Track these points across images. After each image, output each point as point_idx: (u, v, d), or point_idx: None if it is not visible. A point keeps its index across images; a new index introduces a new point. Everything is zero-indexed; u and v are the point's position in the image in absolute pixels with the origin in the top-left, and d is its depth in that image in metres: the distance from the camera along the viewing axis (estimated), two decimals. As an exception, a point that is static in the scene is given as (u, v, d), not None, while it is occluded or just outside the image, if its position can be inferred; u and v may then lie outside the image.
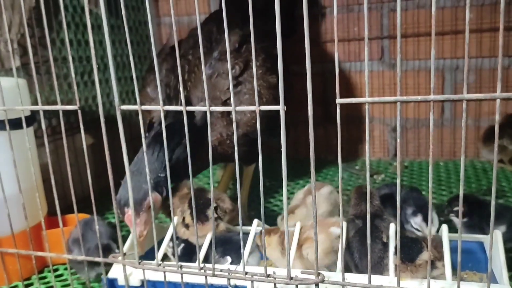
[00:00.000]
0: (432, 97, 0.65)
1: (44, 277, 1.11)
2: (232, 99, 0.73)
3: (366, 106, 0.69)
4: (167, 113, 1.21)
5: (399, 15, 0.62)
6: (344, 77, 1.90)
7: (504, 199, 1.40)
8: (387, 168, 1.80)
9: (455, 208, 1.02)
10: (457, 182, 1.58)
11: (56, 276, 1.12)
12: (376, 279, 0.79)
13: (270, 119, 1.25)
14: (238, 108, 0.74)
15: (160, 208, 1.06)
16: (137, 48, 1.89)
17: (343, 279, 0.74)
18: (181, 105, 1.11)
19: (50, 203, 1.19)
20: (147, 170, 0.80)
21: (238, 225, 1.11)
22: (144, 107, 0.78)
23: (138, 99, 0.77)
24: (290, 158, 1.28)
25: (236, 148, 0.74)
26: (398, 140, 0.69)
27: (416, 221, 0.96)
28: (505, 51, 1.73)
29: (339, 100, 0.69)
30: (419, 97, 0.66)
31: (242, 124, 1.21)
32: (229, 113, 1.20)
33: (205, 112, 1.19)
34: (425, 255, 0.77)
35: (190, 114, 1.14)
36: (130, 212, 0.95)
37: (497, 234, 0.86)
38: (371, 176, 1.69)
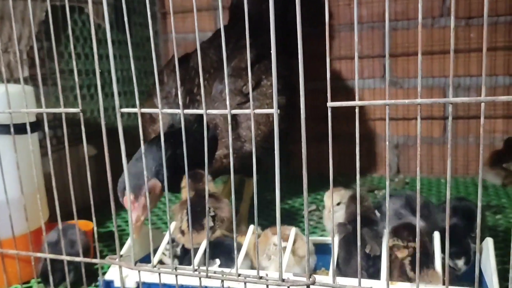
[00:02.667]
0: (419, 100, 0.67)
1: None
2: (251, 103, 0.75)
3: (356, 110, 0.71)
4: (171, 123, 1.24)
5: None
6: (347, 94, 1.93)
7: (503, 214, 1.40)
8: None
9: None
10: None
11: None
12: (367, 282, 0.79)
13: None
14: (258, 110, 0.75)
15: (159, 195, 1.07)
16: (143, 63, 1.93)
17: (334, 281, 0.75)
18: (191, 115, 1.15)
19: (52, 210, 1.21)
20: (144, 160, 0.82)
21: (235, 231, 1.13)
22: (144, 110, 0.81)
23: (137, 102, 0.79)
24: (312, 173, 1.28)
25: (254, 159, 0.76)
26: (387, 143, 0.71)
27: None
28: (505, 70, 1.75)
29: (330, 104, 0.71)
30: (406, 101, 0.69)
31: (249, 140, 1.22)
32: (237, 127, 1.22)
33: (214, 125, 1.22)
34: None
35: (200, 126, 1.16)
36: (127, 195, 0.96)
37: (488, 242, 0.86)
38: (371, 191, 1.69)
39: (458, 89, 1.82)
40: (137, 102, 0.79)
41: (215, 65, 1.30)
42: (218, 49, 1.36)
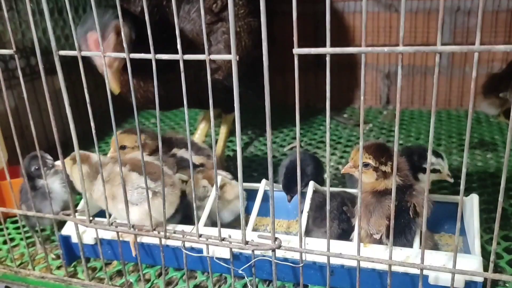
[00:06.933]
0: (400, 48, 0.57)
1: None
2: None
3: (327, 58, 0.60)
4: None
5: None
6: (336, 19, 1.78)
7: (494, 153, 1.32)
8: (376, 117, 1.71)
9: None
10: (448, 131, 1.52)
11: (17, 228, 1.09)
12: (337, 245, 0.73)
13: (248, 67, 1.15)
14: (213, 56, 0.65)
15: (128, 39, 0.84)
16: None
17: (301, 245, 0.68)
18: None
19: (11, 151, 1.12)
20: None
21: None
22: (84, 53, 0.70)
23: (76, 45, 0.68)
24: (279, 105, 1.22)
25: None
26: (363, 90, 0.61)
27: (434, 161, 0.87)
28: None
29: (296, 51, 0.60)
30: (385, 49, 0.59)
31: (221, 65, 1.13)
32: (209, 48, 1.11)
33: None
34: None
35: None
36: (93, 36, 0.81)
37: (473, 198, 0.79)
38: (357, 125, 1.61)
39: (457, 13, 1.67)
40: (76, 45, 0.68)
41: None
42: None
